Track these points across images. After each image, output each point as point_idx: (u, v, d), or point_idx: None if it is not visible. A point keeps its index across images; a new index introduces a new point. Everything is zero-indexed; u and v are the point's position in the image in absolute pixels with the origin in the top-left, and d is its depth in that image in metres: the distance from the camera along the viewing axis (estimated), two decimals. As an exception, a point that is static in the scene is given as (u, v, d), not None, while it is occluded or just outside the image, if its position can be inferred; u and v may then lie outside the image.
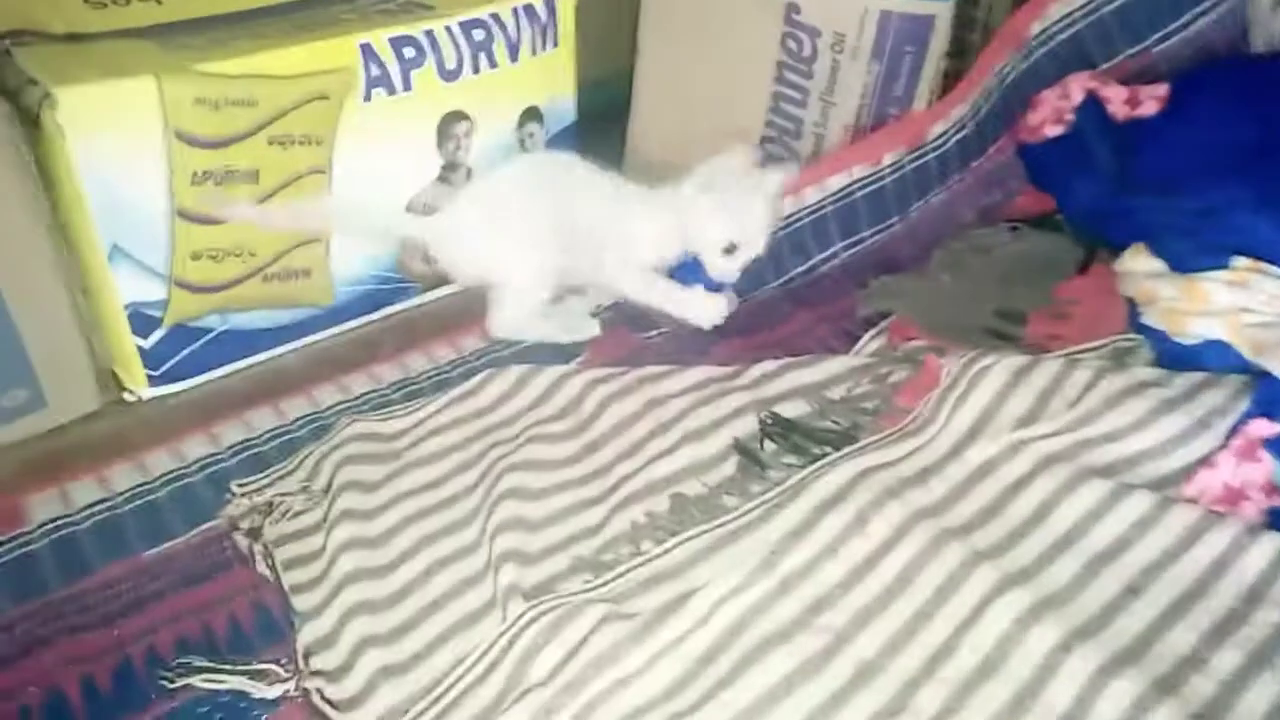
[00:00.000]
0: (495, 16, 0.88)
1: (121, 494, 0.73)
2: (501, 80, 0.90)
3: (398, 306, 0.93)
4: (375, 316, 0.92)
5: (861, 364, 0.83)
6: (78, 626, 0.63)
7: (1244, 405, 0.71)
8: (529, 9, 0.90)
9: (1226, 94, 0.97)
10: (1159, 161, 0.93)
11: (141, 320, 0.80)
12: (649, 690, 0.56)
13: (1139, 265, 0.86)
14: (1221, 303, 0.79)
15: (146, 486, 0.74)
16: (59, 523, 0.71)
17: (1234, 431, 0.70)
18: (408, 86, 0.85)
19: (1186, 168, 0.91)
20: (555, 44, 0.93)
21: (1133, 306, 0.85)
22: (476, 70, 0.88)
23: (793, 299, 0.94)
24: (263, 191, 0.81)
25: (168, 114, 0.74)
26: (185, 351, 0.83)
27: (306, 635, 0.62)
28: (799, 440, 0.75)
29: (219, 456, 0.77)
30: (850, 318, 0.91)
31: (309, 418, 0.80)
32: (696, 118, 0.97)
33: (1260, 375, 0.73)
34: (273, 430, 0.79)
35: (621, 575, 0.64)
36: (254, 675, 0.60)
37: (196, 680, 0.59)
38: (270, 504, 0.71)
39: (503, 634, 0.60)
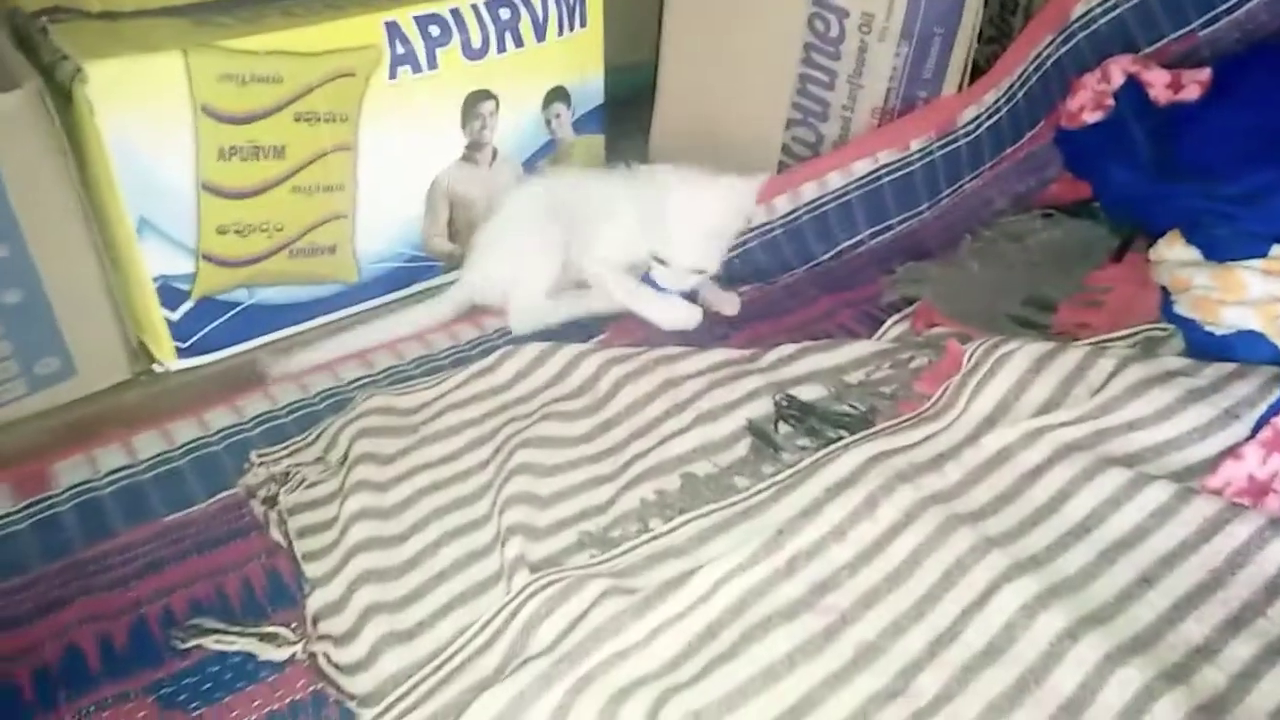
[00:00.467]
0: (522, -7, 0.88)
1: (145, 461, 0.75)
2: (528, 60, 0.90)
3: (421, 285, 0.94)
4: (399, 294, 0.93)
5: (882, 349, 0.82)
6: (97, 586, 0.65)
7: (1273, 397, 0.69)
8: (556, -12, 0.90)
9: (1271, 78, 0.94)
10: (1199, 147, 0.91)
11: (170, 293, 0.82)
12: (648, 663, 0.57)
13: (1173, 253, 0.84)
14: (1256, 292, 0.77)
15: (170, 454, 0.75)
16: (84, 487, 0.72)
17: (1262, 423, 0.68)
18: (433, 65, 0.85)
19: (1227, 153, 0.88)
20: (584, 24, 0.93)
21: (1166, 295, 0.84)
22: (503, 49, 0.88)
23: (817, 284, 0.94)
24: (289, 167, 0.82)
25: (195, 89, 0.75)
26: (212, 324, 0.85)
27: (316, 601, 0.63)
28: (814, 423, 0.75)
29: (241, 427, 0.78)
30: (875, 303, 0.90)
31: (329, 392, 0.81)
32: (722, 99, 0.97)
33: (1292, 366, 0.71)
34: (294, 403, 0.80)
35: (627, 551, 0.65)
36: (263, 638, 0.61)
37: (208, 641, 0.61)
38: (287, 473, 0.73)
39: (506, 604, 0.60)
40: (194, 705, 0.58)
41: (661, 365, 0.80)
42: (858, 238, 0.98)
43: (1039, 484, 0.68)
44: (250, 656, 0.60)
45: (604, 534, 0.66)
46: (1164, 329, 0.82)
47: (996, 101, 1.00)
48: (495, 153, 0.93)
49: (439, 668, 0.58)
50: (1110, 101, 0.98)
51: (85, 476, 0.73)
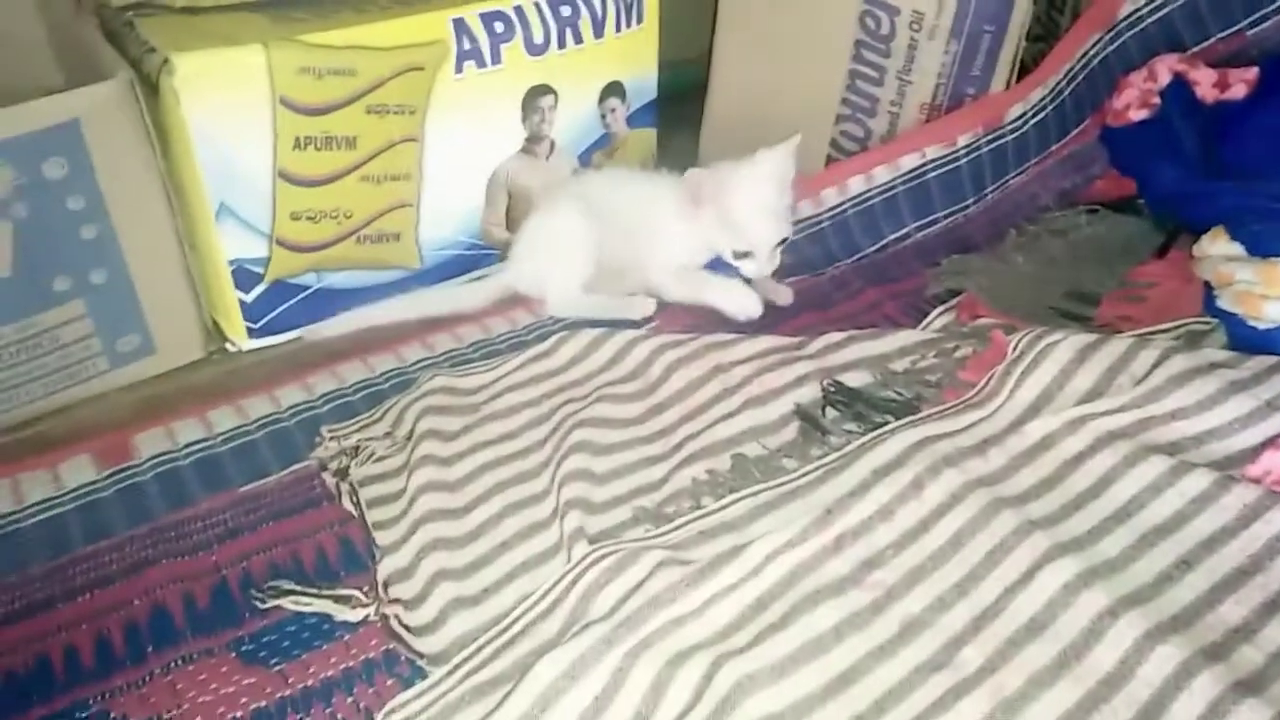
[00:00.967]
0: (583, -8, 0.92)
1: (221, 434, 0.79)
2: (586, 56, 0.94)
3: (480, 272, 0.98)
4: (459, 280, 0.97)
5: (927, 338, 0.84)
6: (180, 550, 0.69)
7: (1314, 389, 0.71)
8: (615, -14, 0.93)
9: (1318, 78, 0.95)
10: (1244, 145, 0.92)
11: (244, 275, 0.86)
12: (702, 631, 0.59)
13: (1217, 249, 0.86)
14: (1299, 288, 0.78)
15: (244, 428, 0.79)
16: (164, 457, 0.76)
17: (1304, 414, 0.70)
18: (497, 60, 0.89)
19: (1272, 151, 0.90)
20: (640, 21, 0.96)
21: (1209, 290, 0.85)
22: (563, 46, 0.92)
23: (863, 275, 0.96)
24: (359, 157, 0.86)
25: (275, 81, 0.79)
26: (283, 307, 0.89)
27: (386, 567, 0.66)
28: (861, 408, 0.77)
29: (312, 404, 0.82)
30: (920, 295, 0.92)
31: (394, 372, 0.85)
32: (772, 95, 0.99)
33: (1333, 360, 0.73)
34: (361, 382, 0.84)
35: (681, 527, 0.67)
36: (338, 600, 0.64)
37: (286, 602, 0.64)
38: (357, 447, 0.76)
39: (567, 573, 0.63)
40: (274, 661, 0.61)
41: (712, 351, 0.82)
42: (903, 231, 1.00)
43: (1081, 470, 0.70)
44: (326, 617, 0.64)
45: (658, 510, 0.69)
46: (1206, 323, 0.83)
47: (1043, 99, 1.01)
48: (553, 145, 0.96)
49: (503, 631, 0.61)
50: (1156, 100, 1.00)
51: (165, 448, 0.77)
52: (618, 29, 0.95)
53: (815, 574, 0.63)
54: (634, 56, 0.98)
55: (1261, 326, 0.79)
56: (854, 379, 0.80)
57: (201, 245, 0.85)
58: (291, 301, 0.89)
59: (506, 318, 0.92)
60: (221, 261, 0.84)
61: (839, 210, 0.99)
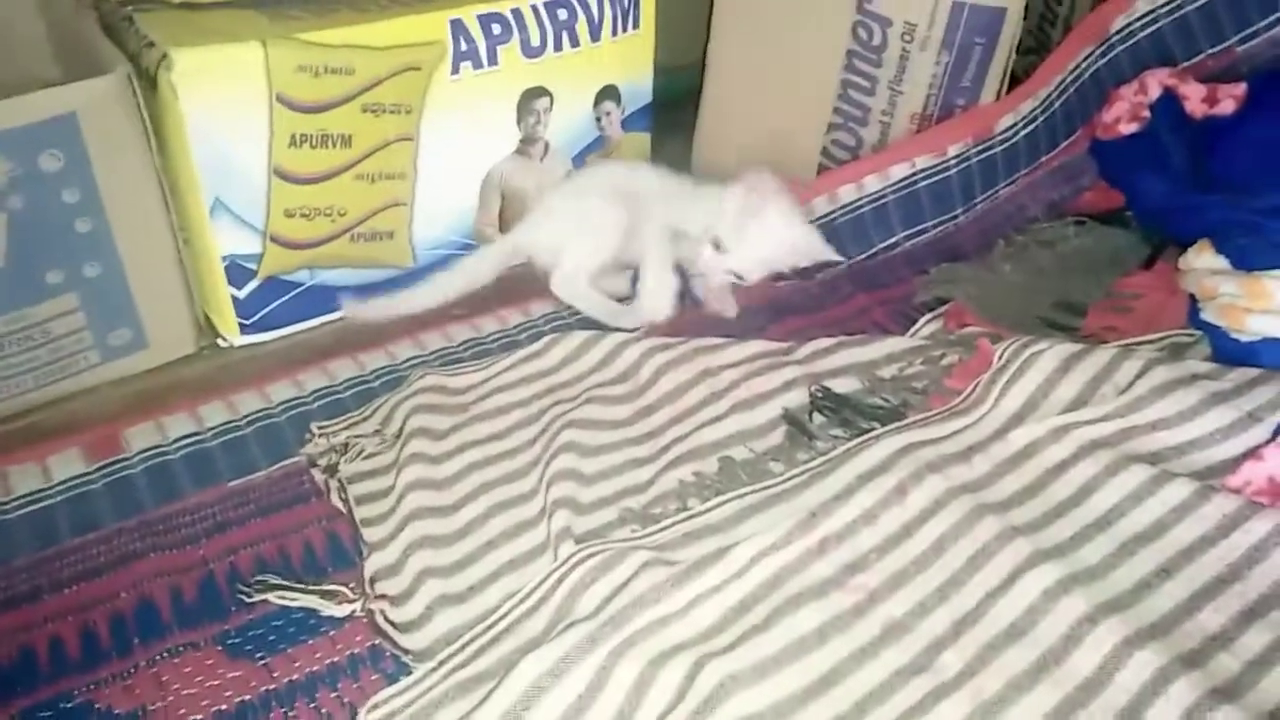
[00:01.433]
0: (581, -2, 0.92)
1: (211, 429, 0.79)
2: (582, 59, 0.94)
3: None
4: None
5: (915, 345, 0.85)
6: (168, 544, 0.69)
7: (1295, 402, 0.72)
8: (612, -9, 0.94)
9: (1305, 95, 0.96)
10: (1231, 160, 0.93)
11: (237, 271, 0.86)
12: (686, 631, 0.60)
13: (1202, 262, 0.87)
14: (1281, 300, 0.79)
15: (234, 423, 0.79)
16: (154, 451, 0.77)
17: (1283, 427, 0.71)
18: (494, 62, 0.89)
19: (1259, 166, 0.91)
20: (636, 26, 0.97)
21: (1193, 302, 0.86)
22: (559, 48, 0.92)
23: (853, 281, 0.97)
24: (354, 155, 0.86)
25: (272, 78, 0.79)
26: (275, 303, 0.89)
27: (373, 563, 0.67)
28: (848, 414, 0.78)
29: (302, 400, 0.82)
30: (908, 302, 0.93)
31: (385, 369, 0.85)
32: (765, 103, 1.00)
33: (1314, 373, 0.74)
34: (352, 379, 0.84)
35: (667, 528, 0.68)
36: (324, 595, 0.65)
37: (272, 596, 0.65)
38: (346, 444, 0.77)
39: (553, 572, 0.64)
40: (259, 655, 0.62)
41: (701, 355, 0.83)
42: (893, 239, 1.01)
43: (1064, 478, 0.71)
44: (312, 612, 0.64)
45: (644, 511, 0.70)
46: (1191, 335, 0.84)
47: (1033, 111, 1.02)
48: (547, 147, 0.97)
49: (489, 628, 0.62)
50: (1146, 114, 1.01)
51: (155, 442, 0.77)
52: (614, 33, 0.95)
53: (799, 576, 0.64)
54: (630, 61, 0.98)
55: (1244, 339, 0.80)
56: (841, 385, 0.81)
57: (196, 240, 0.85)
58: (284, 298, 0.89)
59: (497, 317, 0.92)
60: (215, 257, 0.85)
61: (829, 218, 1.00)
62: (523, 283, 0.95)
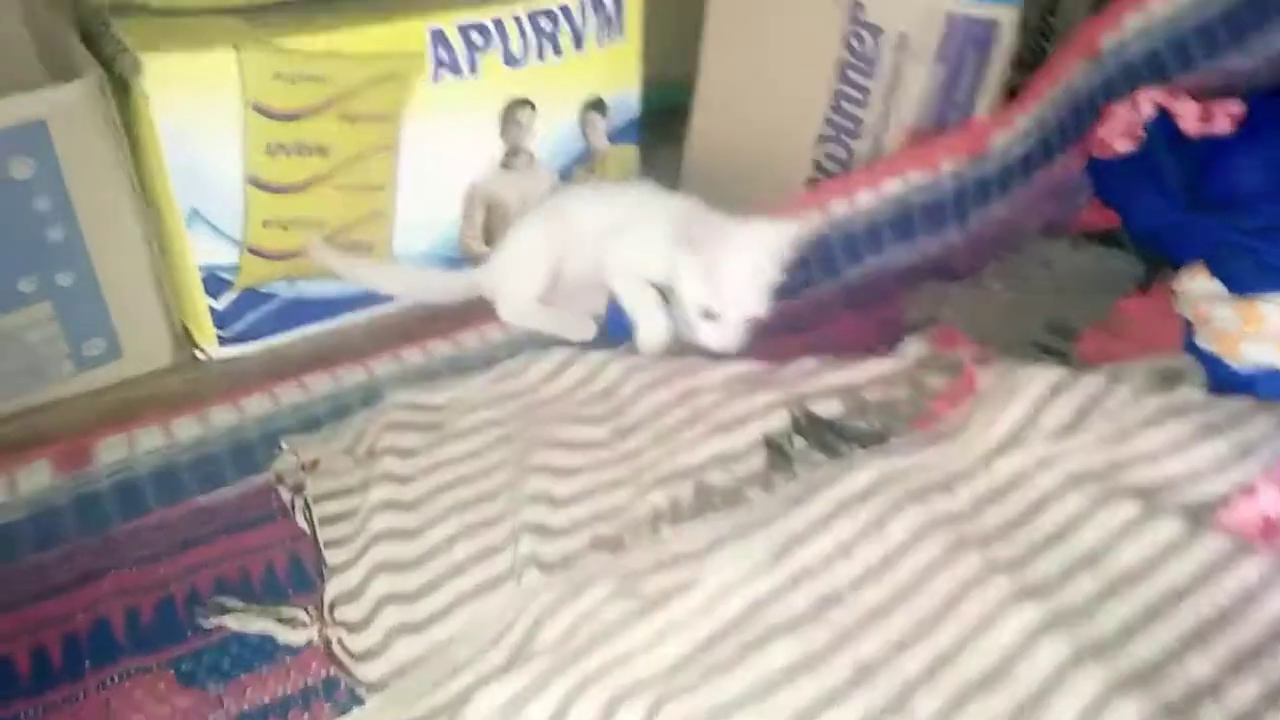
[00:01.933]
0: (565, 8, 0.90)
1: (182, 444, 0.77)
2: (566, 69, 0.93)
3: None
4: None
5: (901, 368, 0.83)
6: (129, 561, 0.68)
7: (1290, 435, 0.69)
8: (596, 1, 0.92)
9: (1305, 114, 0.94)
10: (1228, 179, 0.91)
11: (214, 282, 0.85)
12: (650, 667, 0.58)
13: (1196, 285, 0.85)
14: (1276, 325, 0.77)
15: (206, 438, 0.78)
16: (123, 465, 0.75)
17: (1277, 461, 0.69)
18: (474, 71, 0.88)
19: (1256, 186, 0.89)
20: (621, 34, 0.95)
21: (1188, 327, 0.84)
22: (542, 58, 0.91)
23: (841, 300, 0.95)
24: (332, 165, 0.85)
25: (246, 85, 0.78)
26: (253, 315, 0.88)
27: (334, 588, 0.65)
28: (829, 438, 0.76)
29: (277, 415, 0.80)
30: (897, 322, 0.91)
31: (362, 385, 0.84)
32: (757, 113, 0.98)
33: (1310, 406, 0.72)
34: (328, 395, 0.83)
35: (637, 555, 0.66)
36: (281, 619, 0.63)
37: (229, 619, 0.63)
38: (316, 462, 0.75)
39: (516, 600, 0.62)
40: (212, 682, 0.60)
41: (683, 376, 0.81)
42: (884, 255, 0.99)
43: (1049, 511, 0.68)
44: (269, 638, 0.63)
45: (615, 536, 0.68)
46: (1185, 361, 0.82)
47: (1027, 127, 1.00)
48: (531, 158, 0.95)
49: (447, 660, 0.60)
50: (1141, 132, 0.99)
51: (124, 456, 0.76)
52: (599, 42, 0.94)
53: (770, 609, 0.62)
54: (616, 71, 0.97)
55: (1239, 368, 0.78)
56: (824, 408, 0.79)
57: (172, 251, 0.84)
58: (262, 310, 0.88)
59: (478, 333, 0.91)
60: (192, 267, 0.83)
61: (820, 234, 0.98)
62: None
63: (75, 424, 0.80)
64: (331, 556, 0.68)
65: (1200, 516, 0.66)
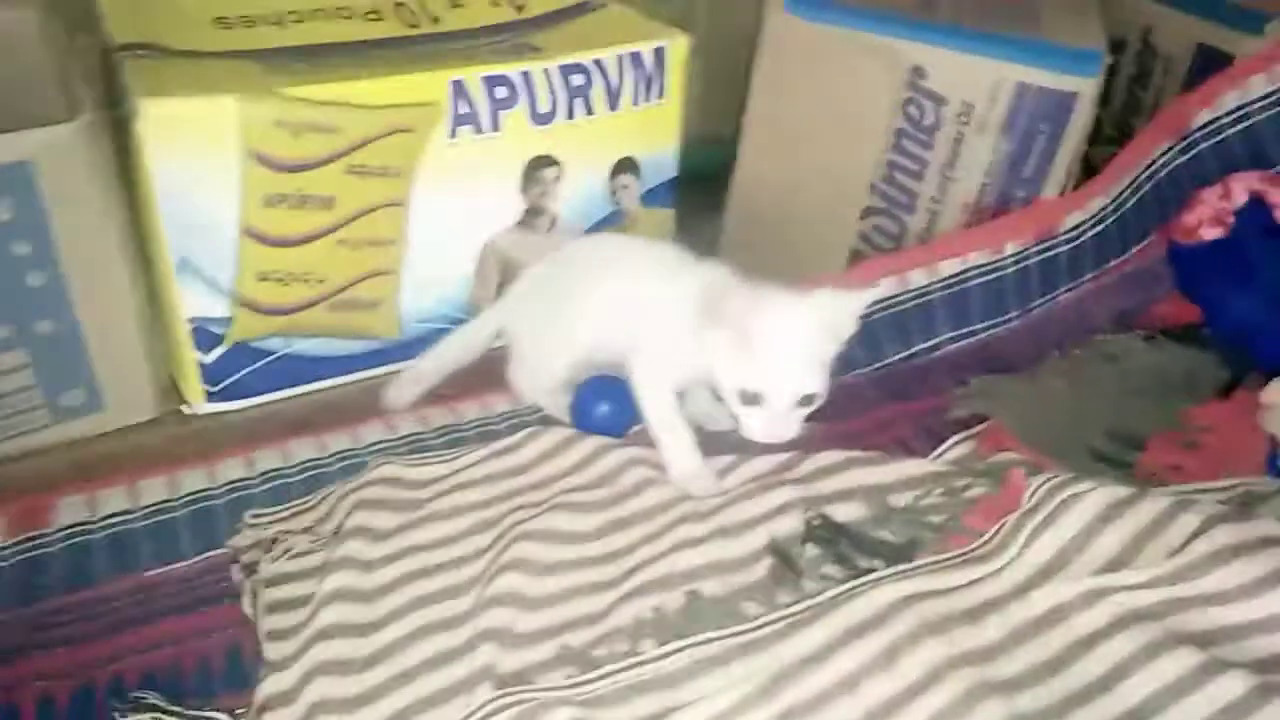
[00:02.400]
0: (598, 62, 0.85)
1: (144, 508, 0.73)
2: (597, 128, 0.87)
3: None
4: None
5: (937, 470, 0.74)
6: (56, 640, 0.62)
7: (1386, 585, 0.59)
8: (635, 57, 0.86)
9: None
10: (1329, 280, 0.81)
11: (204, 335, 0.80)
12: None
13: (1286, 398, 0.75)
14: (1378, 455, 0.67)
15: (170, 503, 0.73)
16: (79, 528, 0.71)
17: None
18: (496, 127, 0.83)
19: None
20: (661, 95, 0.90)
21: (1274, 446, 0.74)
22: (571, 116, 0.85)
23: (881, 387, 0.86)
24: (336, 219, 0.80)
25: (246, 134, 0.74)
26: (245, 371, 0.83)
27: (268, 687, 0.59)
28: (845, 549, 0.68)
29: (248, 482, 0.75)
30: (941, 417, 0.82)
31: (346, 453, 0.79)
32: (804, 181, 0.91)
33: None
34: (307, 462, 0.78)
35: (607, 676, 0.58)
36: (203, 724, 0.57)
37: (146, 718, 0.57)
38: (275, 539, 0.69)
39: (461, 721, 0.55)
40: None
41: (692, 468, 0.74)
42: (935, 341, 0.90)
43: (1092, 655, 0.59)
44: (187, 744, 0.56)
45: (587, 651, 0.60)
46: (1269, 485, 0.72)
47: (1103, 209, 0.91)
48: (554, 219, 0.89)
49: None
50: (1231, 219, 0.89)
51: (83, 518, 0.72)
52: (635, 102, 0.88)
53: (751, 755, 0.54)
54: (652, 132, 0.91)
55: (1331, 498, 0.67)
56: (844, 512, 0.70)
57: (162, 301, 0.80)
58: (255, 366, 0.83)
59: (480, 402, 0.85)
60: (181, 319, 0.79)
61: (867, 311, 0.90)
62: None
63: (48, 478, 0.76)
64: (272, 650, 0.61)
65: (1271, 675, 0.56)
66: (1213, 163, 0.95)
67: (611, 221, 0.93)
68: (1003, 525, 0.68)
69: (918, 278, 0.90)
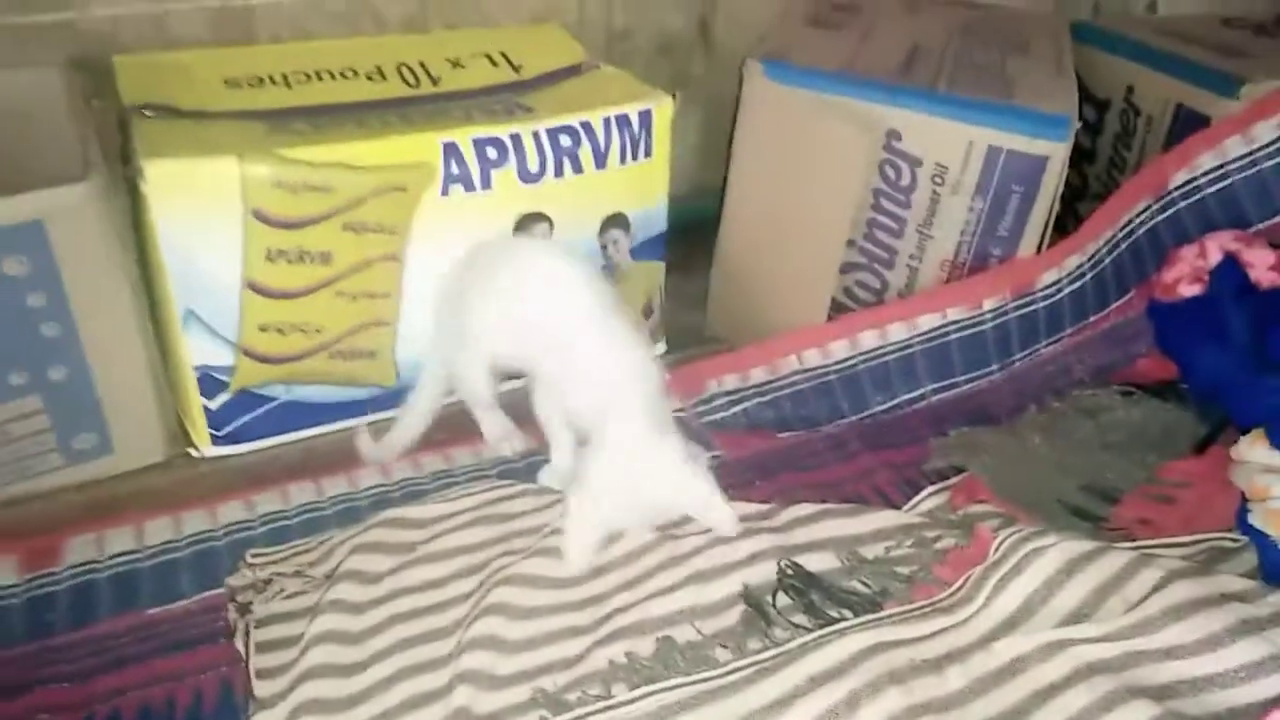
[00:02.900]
0: (586, 124, 0.88)
1: (150, 548, 0.76)
2: (586, 185, 0.90)
3: (458, 396, 0.94)
4: (436, 402, 0.93)
5: (909, 522, 0.76)
6: (59, 676, 0.65)
7: (1342, 642, 0.60)
8: (622, 119, 0.90)
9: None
10: (1299, 338, 0.83)
11: (210, 383, 0.84)
12: None
13: (1255, 455, 0.76)
14: (1340, 513, 0.68)
15: (174, 544, 0.76)
16: (86, 568, 0.74)
17: (1328, 673, 0.59)
18: (487, 185, 0.86)
19: (1329, 349, 0.80)
20: (648, 155, 0.93)
21: (1244, 502, 0.75)
22: (560, 174, 0.89)
23: (862, 437, 0.89)
24: (334, 273, 0.84)
25: (247, 194, 0.78)
26: (248, 416, 0.86)
27: (256, 725, 0.61)
28: (816, 598, 0.70)
29: (249, 524, 0.78)
30: (919, 467, 0.85)
31: (342, 497, 0.81)
32: (783, 237, 0.94)
33: (1370, 609, 0.62)
34: (305, 505, 0.80)
35: (578, 719, 0.61)
36: (190, 761, 0.59)
37: (137, 753, 0.60)
38: (269, 580, 0.72)
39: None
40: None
41: (671, 516, 0.76)
42: (919, 391, 0.93)
43: (1051, 706, 0.61)
44: (177, 779, 0.59)
45: (559, 695, 0.63)
46: (1236, 540, 0.74)
47: (1081, 266, 0.94)
48: (547, 274, 0.93)
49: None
50: (1208, 277, 0.91)
51: (90, 557, 0.75)
52: (622, 161, 0.91)
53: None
54: (640, 189, 0.94)
55: (1293, 554, 0.69)
56: (816, 562, 0.72)
57: (170, 349, 0.84)
58: (258, 411, 0.86)
59: (472, 449, 0.87)
60: (187, 367, 0.83)
61: (849, 364, 0.93)
62: (508, 410, 0.90)
63: (59, 518, 0.79)
64: (261, 688, 0.64)
65: (1228, 729, 0.58)
66: (1191, 222, 0.97)
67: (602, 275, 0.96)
68: (969, 577, 0.70)
69: (898, 331, 0.93)
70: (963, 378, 0.94)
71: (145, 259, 0.83)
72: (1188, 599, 0.64)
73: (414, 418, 0.86)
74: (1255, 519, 0.73)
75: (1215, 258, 0.91)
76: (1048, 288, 0.93)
